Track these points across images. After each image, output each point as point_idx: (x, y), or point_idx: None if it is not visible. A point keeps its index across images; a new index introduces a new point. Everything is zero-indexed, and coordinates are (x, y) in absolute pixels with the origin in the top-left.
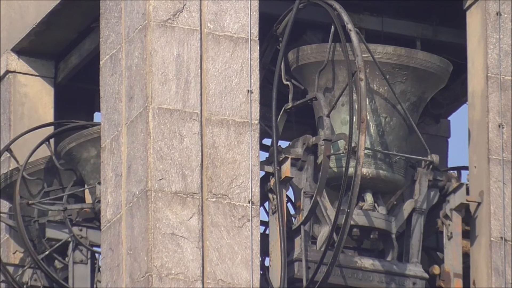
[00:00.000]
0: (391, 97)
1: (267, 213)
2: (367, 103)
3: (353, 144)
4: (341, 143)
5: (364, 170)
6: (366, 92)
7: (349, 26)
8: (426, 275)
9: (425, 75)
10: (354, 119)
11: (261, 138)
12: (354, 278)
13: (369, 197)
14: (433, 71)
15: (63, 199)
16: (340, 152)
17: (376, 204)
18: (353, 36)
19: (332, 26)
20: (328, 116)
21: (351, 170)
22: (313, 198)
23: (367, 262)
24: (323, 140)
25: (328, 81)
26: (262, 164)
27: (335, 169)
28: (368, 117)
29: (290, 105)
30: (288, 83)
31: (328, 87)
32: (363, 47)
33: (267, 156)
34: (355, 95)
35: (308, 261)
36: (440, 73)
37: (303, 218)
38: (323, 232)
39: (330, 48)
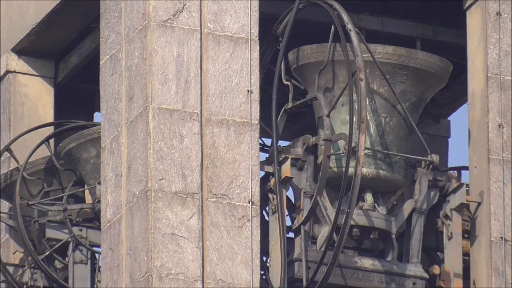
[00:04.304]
0: (391, 97)
1: (267, 213)
2: (367, 103)
3: (353, 144)
4: (341, 143)
5: (364, 170)
6: (366, 92)
7: (349, 26)
8: (426, 275)
9: (425, 75)
10: (354, 119)
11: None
12: (354, 278)
13: (369, 197)
14: (433, 71)
15: (63, 199)
16: (340, 152)
17: (376, 204)
18: (353, 36)
19: (332, 26)
20: (328, 116)
21: (351, 170)
22: (313, 198)
23: (367, 262)
24: (323, 140)
25: (328, 81)
26: (262, 164)
27: (335, 169)
28: (368, 117)
29: (290, 105)
30: (288, 83)
31: (328, 87)
32: (363, 47)
33: (267, 156)
34: (355, 95)
35: (308, 261)
36: (440, 73)
37: (303, 218)
38: (323, 232)
39: (330, 48)
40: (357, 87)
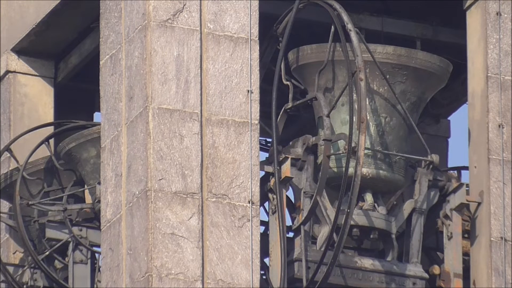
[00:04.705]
0: (391, 97)
1: (267, 213)
2: (367, 103)
3: (353, 144)
4: (341, 143)
5: (364, 170)
6: (366, 92)
7: (349, 26)
8: (426, 275)
9: (425, 75)
10: (354, 118)
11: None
12: (354, 278)
13: (369, 197)
14: (433, 71)
15: (63, 199)
16: (340, 152)
17: (376, 204)
18: (353, 36)
19: (332, 26)
20: (328, 116)
21: (351, 170)
22: (313, 198)
23: (367, 262)
24: (323, 140)
25: (328, 81)
26: (262, 164)
27: (335, 169)
28: (368, 117)
29: (290, 105)
30: (288, 83)
31: (328, 87)
32: (363, 47)
33: (267, 156)
34: (355, 95)
35: (308, 261)
36: (440, 73)
37: (303, 218)
38: (323, 232)
39: (330, 48)
40: (357, 87)
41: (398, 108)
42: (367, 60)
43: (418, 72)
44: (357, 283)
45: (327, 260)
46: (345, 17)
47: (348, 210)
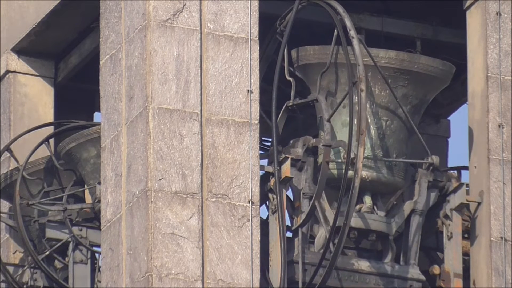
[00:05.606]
0: (392, 101)
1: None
2: (368, 106)
3: (352, 155)
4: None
5: (364, 173)
6: (366, 103)
7: (352, 33)
8: (422, 277)
9: (427, 78)
10: (354, 121)
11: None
12: (351, 281)
13: (367, 199)
14: (436, 75)
15: (63, 199)
16: (340, 160)
17: (375, 206)
18: (355, 43)
19: (335, 30)
20: (328, 120)
21: (350, 173)
22: (312, 201)
23: (363, 265)
24: (323, 145)
25: (330, 82)
26: (262, 163)
27: (335, 171)
28: (369, 120)
29: (291, 102)
30: (291, 78)
31: (330, 88)
32: (364, 53)
33: (267, 153)
34: (355, 98)
35: (305, 263)
36: (442, 76)
37: (301, 220)
38: (320, 233)
39: (333, 51)
40: (357, 96)
41: (399, 112)
42: (369, 64)
43: (420, 76)
44: (354, 285)
45: (325, 263)
46: (348, 22)
47: (345, 222)
